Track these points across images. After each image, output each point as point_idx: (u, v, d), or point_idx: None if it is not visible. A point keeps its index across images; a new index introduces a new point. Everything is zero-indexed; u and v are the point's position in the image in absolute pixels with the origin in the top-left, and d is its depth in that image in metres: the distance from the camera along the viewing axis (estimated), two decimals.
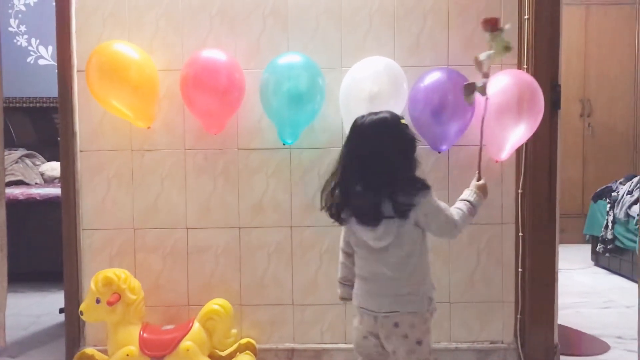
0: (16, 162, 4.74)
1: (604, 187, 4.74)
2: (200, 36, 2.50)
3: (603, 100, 5.58)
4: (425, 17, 2.48)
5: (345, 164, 1.77)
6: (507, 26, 1.97)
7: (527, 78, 2.32)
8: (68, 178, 2.54)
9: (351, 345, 2.47)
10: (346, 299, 1.95)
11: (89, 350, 2.47)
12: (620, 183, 4.59)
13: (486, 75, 1.97)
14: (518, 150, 2.44)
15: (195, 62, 2.35)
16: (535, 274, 2.49)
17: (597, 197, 4.79)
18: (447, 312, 2.53)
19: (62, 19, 2.52)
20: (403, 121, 1.77)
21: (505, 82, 2.29)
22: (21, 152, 4.90)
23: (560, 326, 2.62)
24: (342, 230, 1.91)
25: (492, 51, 1.96)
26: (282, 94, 2.28)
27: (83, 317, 2.38)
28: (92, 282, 2.35)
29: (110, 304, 2.31)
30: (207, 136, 2.48)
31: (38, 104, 5.10)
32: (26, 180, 4.64)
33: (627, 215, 4.25)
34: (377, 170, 1.71)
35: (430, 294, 1.82)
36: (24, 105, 5.10)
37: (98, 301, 2.33)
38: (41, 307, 3.59)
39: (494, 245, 2.52)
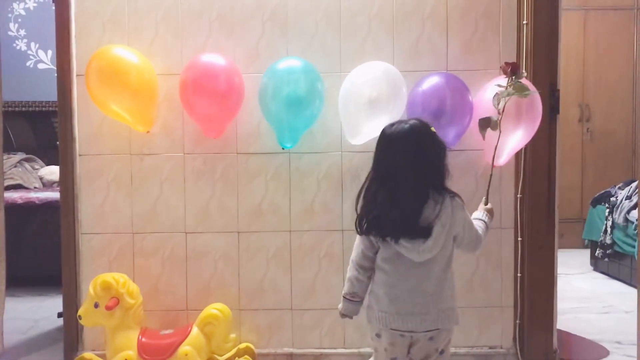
0: (15, 166, 4.74)
1: (602, 192, 4.74)
2: (200, 41, 2.51)
3: (602, 106, 5.58)
4: (424, 22, 2.49)
5: (382, 175, 1.71)
6: (524, 73, 2.11)
7: (526, 83, 2.32)
8: (67, 182, 2.54)
9: (350, 350, 2.47)
10: (348, 316, 1.87)
11: (88, 354, 2.46)
12: (619, 188, 4.59)
13: (501, 113, 2.05)
14: (517, 155, 2.44)
15: (195, 66, 2.35)
16: (534, 278, 2.49)
17: (596, 202, 4.79)
18: None
19: (62, 24, 2.52)
20: (432, 129, 1.74)
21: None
22: (20, 156, 4.89)
23: (559, 331, 2.61)
24: (358, 242, 1.81)
25: (513, 92, 2.07)
26: (281, 98, 2.28)
27: (81, 322, 2.37)
28: (91, 287, 2.35)
29: (108, 308, 2.30)
30: (206, 140, 2.48)
31: (37, 108, 5.09)
32: (25, 185, 4.63)
33: (626, 220, 4.25)
34: (419, 180, 1.67)
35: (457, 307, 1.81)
36: (23, 109, 5.09)
37: (96, 305, 2.32)
38: (39, 312, 3.58)
39: (493, 250, 2.52)
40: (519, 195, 2.49)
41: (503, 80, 2.12)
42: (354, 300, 1.83)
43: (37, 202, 4.12)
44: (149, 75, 2.40)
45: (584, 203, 5.35)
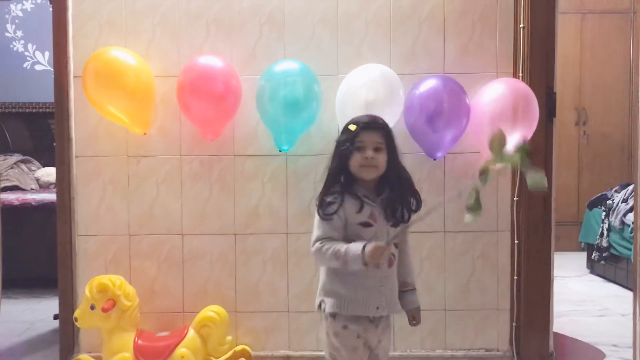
0: (11, 168, 4.73)
1: (599, 195, 4.75)
2: (197, 43, 2.51)
3: (598, 109, 5.60)
4: (421, 25, 2.49)
5: None
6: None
7: (523, 86, 2.34)
8: (63, 184, 2.54)
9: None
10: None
11: (83, 356, 2.46)
12: (616, 191, 4.60)
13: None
14: None
15: (192, 68, 2.35)
16: (530, 281, 2.50)
17: (593, 205, 4.80)
18: (443, 319, 2.53)
19: (59, 25, 2.52)
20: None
21: (500, 90, 2.30)
22: (17, 157, 4.89)
23: (555, 334, 2.62)
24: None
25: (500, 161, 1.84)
26: (278, 100, 2.28)
27: (77, 324, 2.37)
28: (87, 289, 2.35)
29: (105, 310, 2.30)
30: (203, 142, 2.48)
31: (34, 110, 5.09)
32: (21, 186, 4.62)
33: (622, 223, 4.26)
34: None
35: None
36: (20, 110, 5.08)
37: (93, 307, 2.32)
38: (35, 314, 3.57)
39: (490, 253, 2.53)
40: (515, 198, 2.49)
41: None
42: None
43: (33, 203, 4.11)
44: (146, 77, 2.40)
45: (581, 206, 5.37)
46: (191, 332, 2.39)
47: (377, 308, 1.72)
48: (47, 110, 4.98)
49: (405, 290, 1.82)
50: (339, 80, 2.40)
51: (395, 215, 1.73)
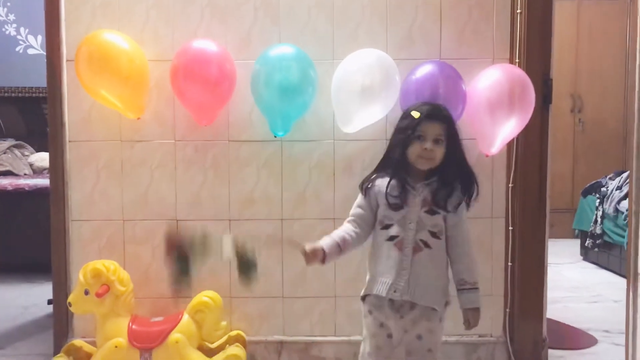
0: (5, 153, 4.70)
1: (593, 182, 4.77)
2: (191, 27, 2.48)
3: (594, 96, 5.60)
4: (418, 9, 2.47)
5: None
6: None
7: (519, 72, 2.32)
8: (57, 169, 2.52)
9: (341, 338, 2.49)
10: None
11: (77, 341, 2.45)
12: (610, 178, 4.62)
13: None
14: (509, 145, 2.44)
15: (186, 52, 2.33)
16: (524, 268, 2.50)
17: (587, 192, 4.82)
18: None
19: (52, 8, 2.48)
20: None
21: (496, 76, 2.29)
22: (10, 142, 4.85)
23: (549, 320, 2.63)
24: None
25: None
26: (273, 85, 2.26)
27: (71, 309, 2.36)
28: (81, 274, 2.34)
29: (99, 295, 2.30)
30: (198, 127, 2.46)
31: (27, 94, 5.04)
32: (15, 171, 4.60)
33: (616, 210, 4.28)
34: None
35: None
36: (13, 95, 5.04)
37: (87, 293, 2.31)
38: (29, 299, 3.57)
39: (484, 239, 2.53)
40: (510, 185, 2.49)
41: None
42: None
43: (26, 188, 4.10)
44: (139, 61, 2.38)
45: (575, 193, 5.39)
46: (186, 317, 2.39)
47: (395, 291, 1.73)
48: (40, 94, 4.93)
49: (462, 288, 1.82)
50: (334, 65, 2.38)
51: (435, 201, 1.73)
